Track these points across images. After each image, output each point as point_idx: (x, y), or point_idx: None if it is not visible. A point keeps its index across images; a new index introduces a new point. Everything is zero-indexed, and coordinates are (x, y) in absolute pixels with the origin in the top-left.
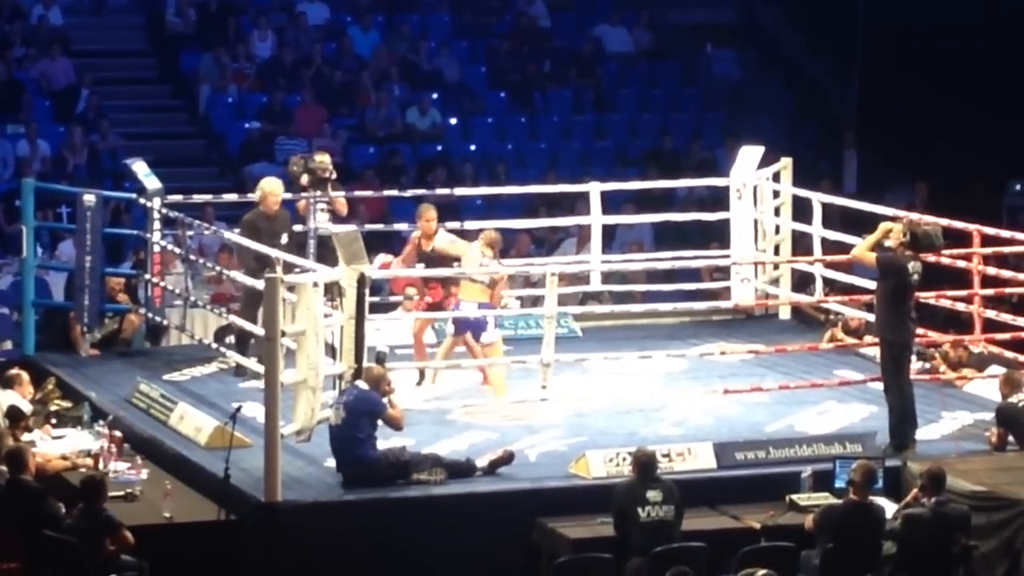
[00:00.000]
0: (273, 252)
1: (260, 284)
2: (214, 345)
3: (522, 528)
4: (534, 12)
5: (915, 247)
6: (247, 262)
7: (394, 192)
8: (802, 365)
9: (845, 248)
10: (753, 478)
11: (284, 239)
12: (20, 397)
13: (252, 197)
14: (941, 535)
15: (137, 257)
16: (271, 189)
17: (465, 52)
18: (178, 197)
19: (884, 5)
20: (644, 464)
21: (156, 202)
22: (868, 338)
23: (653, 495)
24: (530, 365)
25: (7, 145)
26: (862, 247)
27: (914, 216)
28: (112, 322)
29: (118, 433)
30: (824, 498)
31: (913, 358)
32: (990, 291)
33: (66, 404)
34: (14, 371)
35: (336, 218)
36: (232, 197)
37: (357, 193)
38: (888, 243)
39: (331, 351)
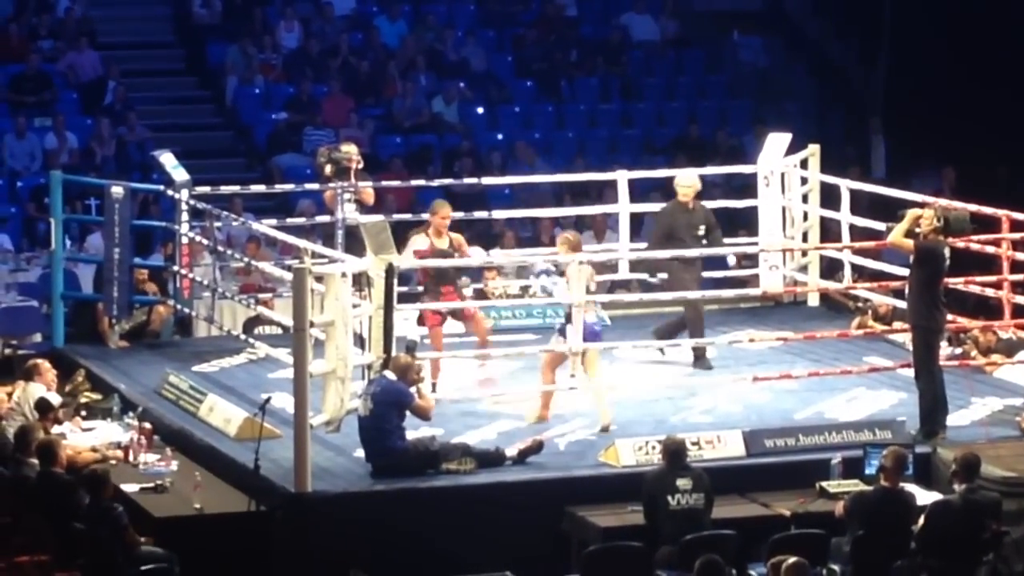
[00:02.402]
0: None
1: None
2: (243, 336)
3: (552, 517)
4: (560, 1)
5: (947, 232)
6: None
7: (421, 182)
8: (831, 352)
9: (873, 234)
10: (783, 465)
11: (701, 231)
12: (44, 387)
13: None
14: (970, 522)
15: (166, 250)
16: (681, 181)
17: (491, 41)
18: (206, 189)
19: None
20: (674, 452)
21: (184, 194)
22: (897, 324)
23: (683, 483)
24: None
25: (35, 138)
26: (897, 234)
27: (942, 202)
28: (140, 314)
29: (148, 425)
30: (854, 485)
31: (944, 344)
32: (1019, 276)
33: (96, 396)
34: (35, 361)
35: (363, 208)
36: (260, 188)
37: (384, 183)
38: (919, 230)
39: (360, 341)
